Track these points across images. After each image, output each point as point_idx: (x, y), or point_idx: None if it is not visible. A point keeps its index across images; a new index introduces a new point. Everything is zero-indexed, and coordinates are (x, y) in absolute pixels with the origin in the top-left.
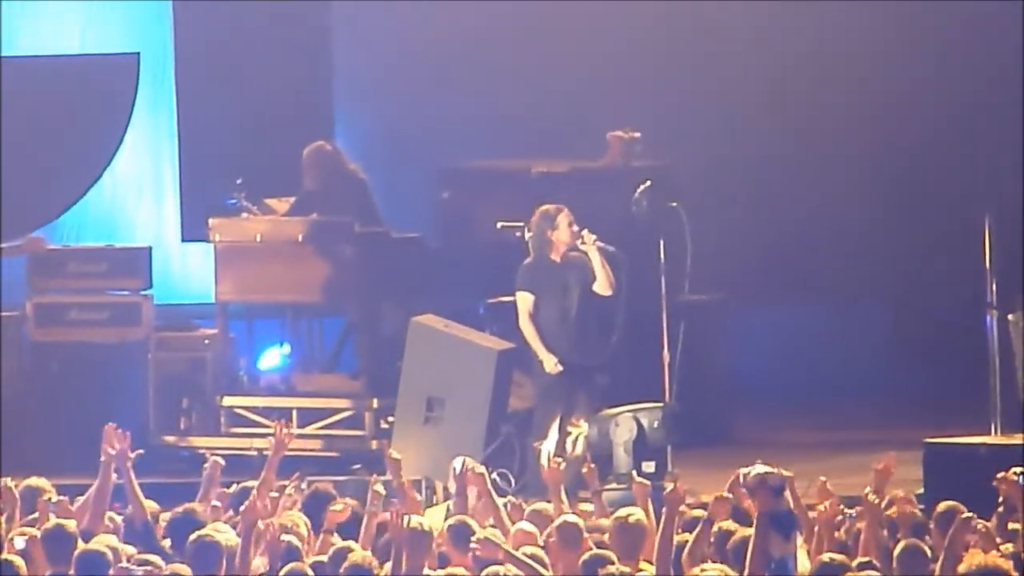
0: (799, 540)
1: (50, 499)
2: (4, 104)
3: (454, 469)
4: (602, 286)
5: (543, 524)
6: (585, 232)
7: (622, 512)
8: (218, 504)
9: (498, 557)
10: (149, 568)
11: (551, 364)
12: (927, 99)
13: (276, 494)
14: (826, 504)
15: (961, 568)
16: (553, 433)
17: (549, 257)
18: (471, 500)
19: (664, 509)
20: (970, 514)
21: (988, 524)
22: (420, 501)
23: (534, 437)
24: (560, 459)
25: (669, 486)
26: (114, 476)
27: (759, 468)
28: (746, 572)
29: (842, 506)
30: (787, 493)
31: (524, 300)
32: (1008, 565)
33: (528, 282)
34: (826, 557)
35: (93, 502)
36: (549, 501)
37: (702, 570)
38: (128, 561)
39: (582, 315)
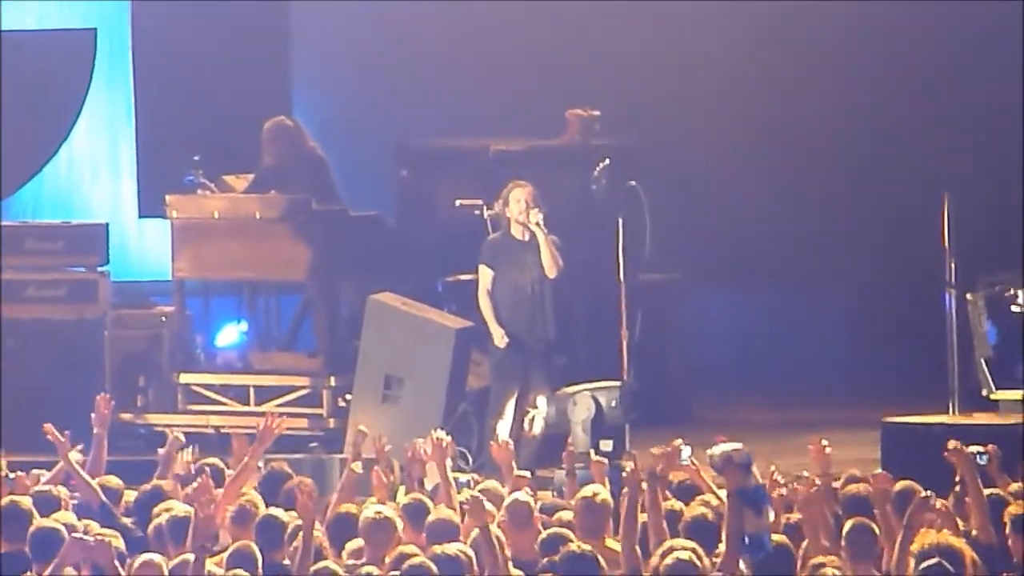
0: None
1: (6, 475)
2: None
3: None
4: (548, 267)
5: (494, 503)
6: (532, 212)
7: (587, 490)
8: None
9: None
10: (102, 538)
11: (499, 337)
12: (884, 81)
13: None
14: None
15: (914, 547)
16: (508, 411)
17: (511, 234)
18: (430, 475)
19: (625, 490)
20: (928, 493)
21: (946, 503)
22: (389, 483)
23: (491, 415)
24: (508, 439)
25: (628, 466)
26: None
27: (724, 446)
28: (723, 551)
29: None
30: (755, 468)
31: (484, 275)
32: (960, 543)
33: (488, 257)
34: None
35: (89, 473)
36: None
37: (671, 548)
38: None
39: (539, 294)
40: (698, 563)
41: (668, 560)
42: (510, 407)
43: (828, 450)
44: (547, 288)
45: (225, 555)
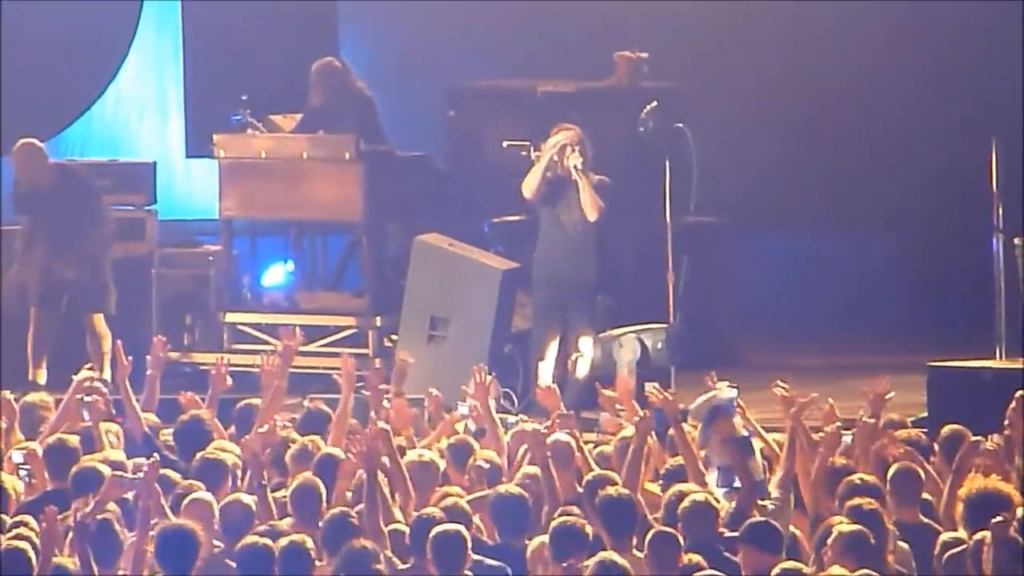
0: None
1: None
2: (8, 18)
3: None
4: (588, 209)
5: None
6: (572, 156)
7: (627, 433)
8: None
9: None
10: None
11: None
12: (935, 22)
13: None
14: (828, 428)
15: (962, 492)
16: (551, 353)
17: (558, 173)
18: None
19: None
20: (977, 437)
21: (998, 443)
22: (415, 415)
23: (534, 357)
24: (553, 385)
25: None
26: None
27: (703, 396)
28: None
29: (840, 428)
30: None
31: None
32: (1009, 487)
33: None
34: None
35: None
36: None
37: (685, 492)
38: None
39: (580, 234)
40: (715, 504)
41: (685, 503)
42: (552, 349)
43: (889, 395)
44: (589, 229)
45: (289, 491)
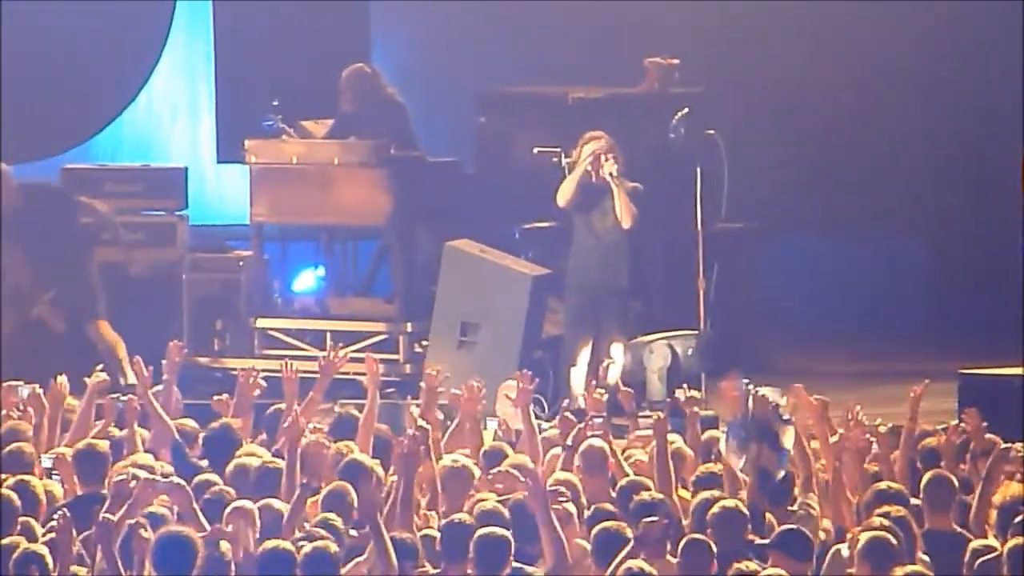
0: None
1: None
2: (41, 21)
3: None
4: (623, 217)
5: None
6: (607, 164)
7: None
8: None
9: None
10: (173, 480)
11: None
12: (965, 29)
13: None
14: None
15: (996, 499)
16: (582, 359)
17: (591, 180)
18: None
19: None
20: (1008, 445)
21: None
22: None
23: (565, 363)
24: (603, 389)
25: (655, 416)
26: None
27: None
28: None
29: (868, 435)
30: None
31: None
32: None
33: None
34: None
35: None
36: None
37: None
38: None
39: (613, 242)
40: (745, 511)
41: (715, 509)
42: (584, 355)
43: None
44: (622, 236)
45: (320, 496)
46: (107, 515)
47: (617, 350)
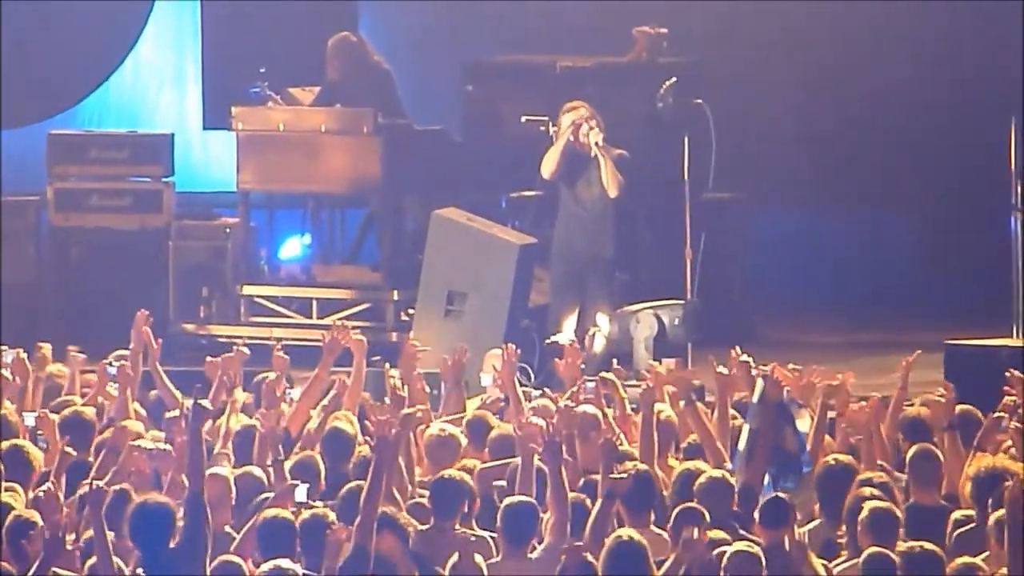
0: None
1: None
2: None
3: (493, 367)
4: (609, 186)
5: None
6: (592, 133)
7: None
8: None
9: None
10: (165, 448)
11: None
12: (955, 3)
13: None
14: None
15: (970, 470)
16: (567, 327)
17: (575, 149)
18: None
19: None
20: (999, 414)
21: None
22: (428, 395)
23: (552, 331)
24: (576, 352)
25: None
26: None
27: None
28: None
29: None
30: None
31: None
32: (1017, 466)
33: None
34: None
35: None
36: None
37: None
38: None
39: (599, 210)
40: (731, 481)
41: (701, 480)
42: (569, 324)
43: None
44: (607, 205)
45: (288, 463)
46: (97, 482)
47: (603, 319)
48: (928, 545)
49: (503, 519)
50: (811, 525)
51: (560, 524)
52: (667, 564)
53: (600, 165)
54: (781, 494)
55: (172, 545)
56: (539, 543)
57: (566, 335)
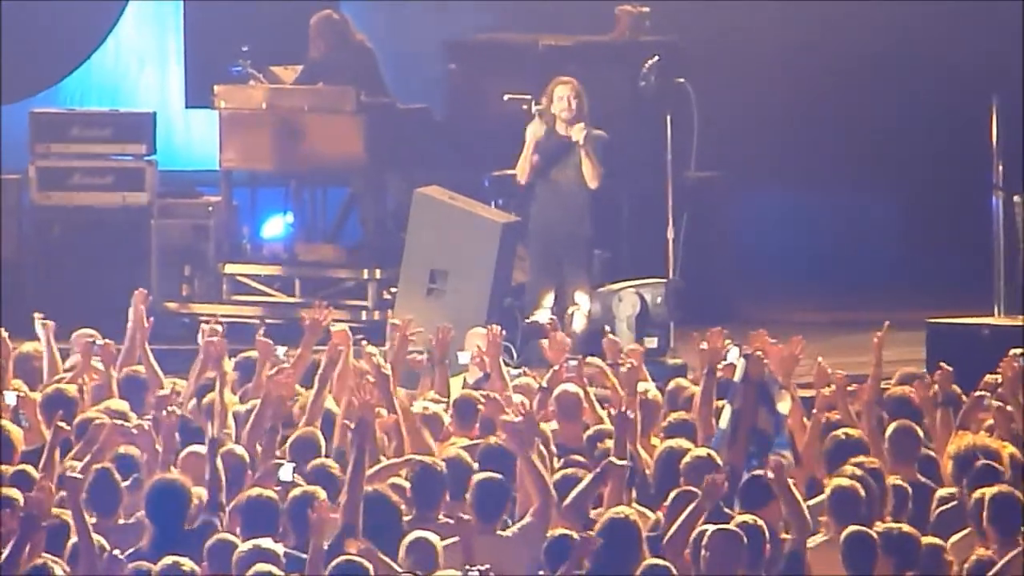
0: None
1: (94, 341)
2: None
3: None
4: (589, 178)
5: (529, 397)
6: (576, 127)
7: (638, 387)
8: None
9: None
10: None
11: (522, 173)
12: None
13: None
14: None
15: (950, 448)
16: (546, 305)
17: (555, 131)
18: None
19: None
20: (982, 393)
21: (1006, 403)
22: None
23: (528, 309)
24: (564, 335)
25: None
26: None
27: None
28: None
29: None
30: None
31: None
32: (998, 444)
33: (534, 149)
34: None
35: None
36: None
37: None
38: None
39: (577, 193)
40: (717, 460)
41: (687, 459)
42: (547, 302)
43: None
44: (585, 187)
45: (288, 442)
46: (72, 473)
47: (582, 297)
48: (907, 527)
49: (473, 495)
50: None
51: (542, 508)
52: (689, 510)
53: (581, 156)
54: (759, 472)
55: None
56: (512, 520)
57: (545, 313)
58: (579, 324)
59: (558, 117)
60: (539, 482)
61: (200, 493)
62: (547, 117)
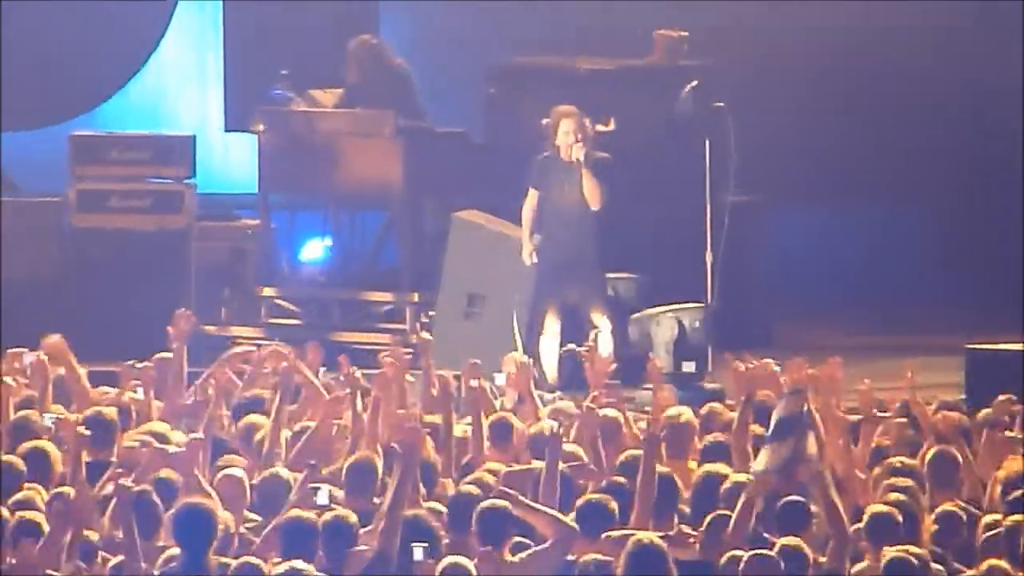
0: None
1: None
2: None
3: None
4: (591, 200)
5: (567, 422)
6: (575, 147)
7: (672, 411)
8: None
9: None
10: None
11: (527, 254)
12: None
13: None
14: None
15: (999, 474)
16: (550, 326)
17: (558, 155)
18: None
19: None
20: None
21: None
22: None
23: (535, 333)
24: (609, 357)
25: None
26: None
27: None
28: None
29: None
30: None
31: (530, 195)
32: None
33: (535, 179)
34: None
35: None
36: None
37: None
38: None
39: (581, 218)
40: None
41: (727, 484)
42: (551, 324)
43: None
44: (591, 213)
45: (345, 465)
46: (124, 482)
47: (601, 320)
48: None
49: (477, 521)
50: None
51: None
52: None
53: (582, 178)
54: (797, 497)
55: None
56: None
57: (550, 336)
58: (605, 346)
59: (563, 149)
60: (541, 517)
61: (227, 518)
62: (551, 144)
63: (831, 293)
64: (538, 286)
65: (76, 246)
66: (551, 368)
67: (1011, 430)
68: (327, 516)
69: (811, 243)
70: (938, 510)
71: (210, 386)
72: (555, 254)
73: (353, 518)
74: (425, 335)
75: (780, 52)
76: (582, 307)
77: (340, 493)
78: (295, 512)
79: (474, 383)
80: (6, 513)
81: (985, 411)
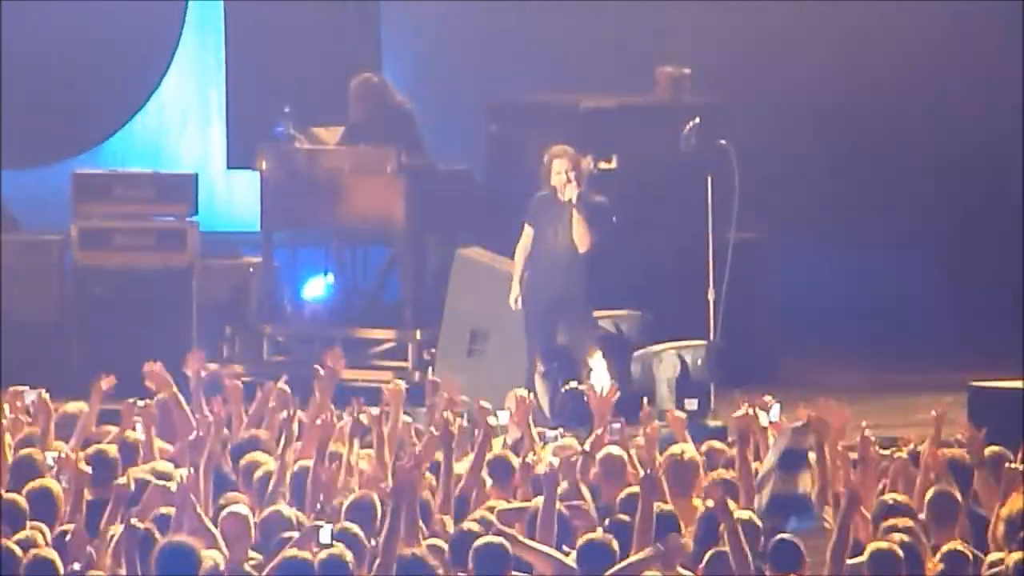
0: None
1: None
2: (51, 26)
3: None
4: (579, 243)
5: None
6: (568, 187)
7: (676, 449)
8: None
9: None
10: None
11: (513, 299)
12: (976, 41)
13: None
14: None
15: (1003, 511)
16: (542, 366)
17: (555, 195)
18: (513, 432)
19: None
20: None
21: None
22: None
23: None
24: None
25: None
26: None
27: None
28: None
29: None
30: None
31: (525, 233)
32: None
33: (531, 216)
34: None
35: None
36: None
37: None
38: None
39: (570, 257)
40: (758, 523)
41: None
42: (542, 364)
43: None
44: (576, 252)
45: (346, 503)
46: (135, 521)
47: (596, 361)
48: None
49: (474, 558)
50: None
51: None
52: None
53: (572, 220)
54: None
55: None
56: None
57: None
58: (602, 385)
59: (557, 189)
60: (540, 556)
61: (215, 556)
62: (549, 188)
63: (834, 330)
64: (528, 326)
65: (78, 283)
66: (547, 406)
67: (1011, 462)
68: (323, 555)
69: (816, 280)
70: (943, 549)
71: (207, 421)
72: (545, 294)
73: (349, 556)
74: (434, 377)
75: (784, 89)
76: (574, 351)
77: (355, 527)
78: (292, 551)
79: (465, 424)
80: (17, 550)
81: (990, 448)
